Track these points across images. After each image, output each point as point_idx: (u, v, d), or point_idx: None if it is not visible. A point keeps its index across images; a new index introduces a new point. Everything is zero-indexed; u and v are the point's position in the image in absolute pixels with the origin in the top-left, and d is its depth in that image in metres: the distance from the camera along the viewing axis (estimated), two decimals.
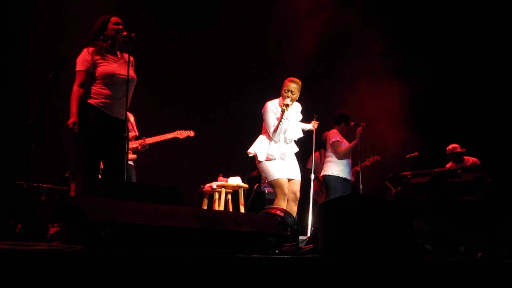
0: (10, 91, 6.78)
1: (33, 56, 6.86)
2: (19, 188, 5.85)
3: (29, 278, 1.78)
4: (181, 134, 6.48)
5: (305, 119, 5.78)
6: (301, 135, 5.62)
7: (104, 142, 4.18)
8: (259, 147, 5.39)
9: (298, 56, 8.26)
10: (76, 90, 4.16)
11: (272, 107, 5.42)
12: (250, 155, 5.47)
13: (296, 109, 5.60)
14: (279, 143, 5.40)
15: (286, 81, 5.43)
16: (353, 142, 6.75)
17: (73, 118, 4.07)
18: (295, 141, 5.60)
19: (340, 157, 6.71)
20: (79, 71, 4.20)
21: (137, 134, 6.17)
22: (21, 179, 5.77)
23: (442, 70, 8.71)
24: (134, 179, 6.17)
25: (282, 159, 5.37)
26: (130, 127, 6.03)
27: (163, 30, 8.04)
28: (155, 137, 6.22)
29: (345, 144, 6.82)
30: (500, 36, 8.25)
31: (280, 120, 5.31)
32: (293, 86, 5.37)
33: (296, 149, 5.57)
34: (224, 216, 3.21)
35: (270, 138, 5.40)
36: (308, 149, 6.20)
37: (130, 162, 6.17)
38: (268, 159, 5.32)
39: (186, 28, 8.45)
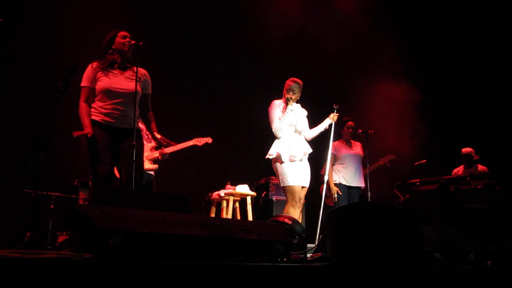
0: (19, 100, 6.81)
1: (42, 65, 6.90)
2: (28, 197, 5.89)
3: (38, 287, 1.79)
4: (200, 141, 6.56)
5: (324, 113, 5.79)
6: (308, 129, 5.67)
7: (112, 153, 4.20)
8: (282, 148, 5.40)
9: (306, 62, 8.29)
10: (83, 106, 4.27)
11: (279, 103, 5.56)
12: (270, 157, 5.47)
13: (300, 107, 5.66)
14: (299, 142, 5.42)
15: (287, 81, 5.58)
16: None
17: (87, 129, 4.15)
18: (309, 142, 5.62)
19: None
20: (82, 87, 4.32)
21: (156, 145, 6.21)
22: (30, 188, 5.82)
23: (453, 77, 8.70)
24: (154, 190, 6.20)
25: (301, 160, 5.40)
26: (149, 137, 6.07)
27: (165, 36, 8.06)
28: (175, 146, 6.26)
29: (340, 153, 6.86)
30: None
31: (285, 108, 5.43)
32: (294, 85, 5.52)
33: (310, 150, 5.58)
34: (232, 224, 3.20)
35: (287, 138, 5.41)
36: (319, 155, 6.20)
37: (151, 172, 6.21)
38: (291, 160, 5.35)
39: (189, 33, 8.47)
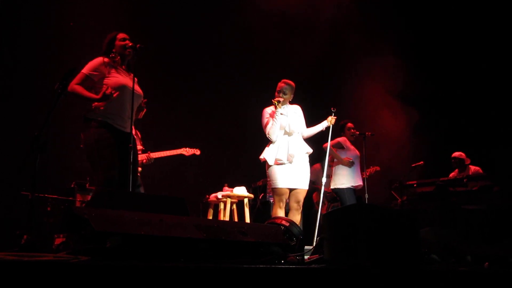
0: (17, 102, 6.81)
1: (40, 67, 6.90)
2: (25, 199, 5.87)
3: None
4: (187, 151, 6.57)
5: (322, 116, 5.80)
6: (305, 128, 5.65)
7: (118, 157, 4.16)
8: (268, 152, 5.44)
9: (303, 65, 8.30)
10: (77, 86, 4.09)
11: (268, 110, 5.58)
12: (262, 161, 5.51)
13: (294, 108, 5.66)
14: (288, 145, 5.42)
15: (279, 83, 5.58)
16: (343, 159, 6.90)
17: (101, 93, 4.05)
18: (307, 142, 5.62)
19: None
20: (82, 72, 4.16)
21: (143, 148, 6.21)
22: (27, 190, 5.80)
23: (448, 80, 8.72)
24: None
25: (290, 161, 5.38)
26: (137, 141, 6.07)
27: (163, 41, 8.06)
28: (162, 152, 6.26)
29: (351, 151, 6.91)
30: (508, 46, 8.25)
31: (273, 114, 5.43)
32: (285, 87, 5.51)
33: (310, 149, 5.57)
34: (229, 226, 3.20)
35: (276, 143, 5.43)
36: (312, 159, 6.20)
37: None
38: (276, 163, 5.35)
39: (186, 38, 8.47)
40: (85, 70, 4.17)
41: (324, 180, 5.96)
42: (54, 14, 7.14)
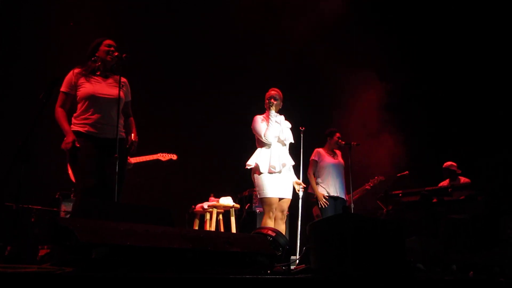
0: (1, 111, 6.75)
1: (24, 76, 6.85)
2: (9, 210, 5.81)
3: None
4: (164, 156, 6.60)
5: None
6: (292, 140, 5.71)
7: (96, 164, 4.15)
8: (261, 159, 5.42)
9: (287, 73, 8.33)
10: (60, 111, 4.19)
11: (261, 117, 5.61)
12: (249, 167, 5.47)
13: (283, 119, 5.71)
14: (279, 154, 5.44)
15: (269, 91, 5.68)
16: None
17: (70, 137, 4.07)
18: (291, 155, 5.65)
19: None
20: (61, 91, 4.26)
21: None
22: (11, 201, 5.73)
23: (434, 89, 8.78)
24: None
25: (280, 170, 5.40)
26: None
27: (147, 46, 8.03)
28: (138, 158, 6.26)
29: (324, 162, 6.86)
30: (492, 55, 8.32)
31: (268, 116, 5.51)
32: (276, 94, 5.63)
33: (292, 162, 5.60)
34: (215, 237, 3.20)
35: (268, 148, 5.43)
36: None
37: None
38: (270, 172, 5.35)
39: (171, 43, 8.45)
40: (63, 88, 4.28)
41: (300, 193, 5.93)
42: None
